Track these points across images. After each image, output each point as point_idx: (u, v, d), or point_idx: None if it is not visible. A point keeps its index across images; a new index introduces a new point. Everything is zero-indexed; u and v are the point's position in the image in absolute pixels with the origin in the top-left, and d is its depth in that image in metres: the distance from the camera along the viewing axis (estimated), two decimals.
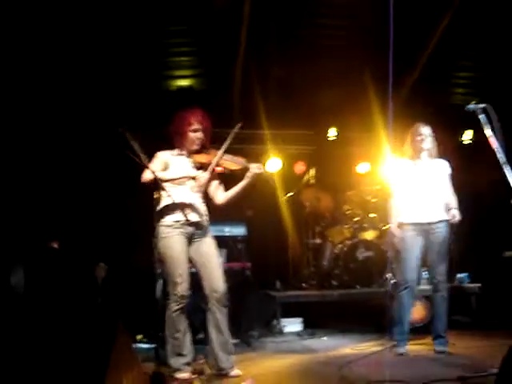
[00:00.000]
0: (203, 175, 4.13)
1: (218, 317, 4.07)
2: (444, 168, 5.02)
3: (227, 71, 7.11)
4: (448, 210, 4.87)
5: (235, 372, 4.05)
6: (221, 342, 4.07)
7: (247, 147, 7.05)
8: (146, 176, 3.89)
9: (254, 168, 4.14)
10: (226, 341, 4.09)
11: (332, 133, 8.01)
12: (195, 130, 4.19)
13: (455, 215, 4.83)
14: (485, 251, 7.21)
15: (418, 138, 4.91)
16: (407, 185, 4.96)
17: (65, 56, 6.24)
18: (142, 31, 6.33)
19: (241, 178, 4.22)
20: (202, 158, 4.23)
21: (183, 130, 4.18)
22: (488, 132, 3.56)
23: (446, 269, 4.87)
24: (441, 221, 4.88)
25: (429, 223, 4.86)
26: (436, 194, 4.90)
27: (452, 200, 4.94)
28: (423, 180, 4.91)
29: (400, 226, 4.95)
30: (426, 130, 4.94)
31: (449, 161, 5.10)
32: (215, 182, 4.36)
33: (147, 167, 3.66)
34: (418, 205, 4.87)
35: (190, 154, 4.25)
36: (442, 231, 4.87)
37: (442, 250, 4.87)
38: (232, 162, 4.20)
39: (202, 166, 4.24)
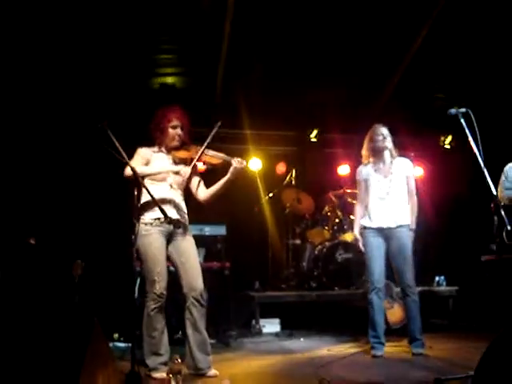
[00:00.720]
0: (186, 169, 4.12)
1: (196, 316, 4.04)
2: (406, 168, 5.01)
3: (210, 70, 7.08)
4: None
5: (212, 372, 4.02)
6: (198, 342, 4.04)
7: (228, 147, 7.03)
8: (128, 171, 3.86)
9: (236, 162, 4.11)
10: (203, 340, 4.06)
11: (314, 134, 8.01)
12: (175, 127, 4.21)
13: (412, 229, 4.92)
14: (462, 254, 7.27)
15: (379, 138, 4.90)
16: (369, 189, 4.97)
17: (49, 53, 6.17)
18: (126, 29, 6.28)
19: (222, 175, 4.21)
20: (182, 154, 4.24)
21: (163, 127, 4.20)
22: (468, 136, 3.59)
23: (412, 273, 4.87)
24: (401, 225, 4.89)
25: (389, 228, 4.88)
26: (397, 199, 4.91)
27: (413, 208, 4.95)
28: (383, 184, 4.91)
29: (362, 230, 4.98)
30: (384, 130, 4.93)
31: (411, 160, 5.14)
32: (196, 179, 4.35)
33: (127, 163, 3.62)
34: (378, 210, 4.90)
35: (170, 150, 4.26)
36: (403, 236, 4.88)
37: (406, 255, 4.86)
38: (213, 157, 4.19)
39: (182, 162, 4.24)
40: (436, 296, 6.69)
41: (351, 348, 5.16)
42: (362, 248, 5.01)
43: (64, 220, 6.54)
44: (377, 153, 4.95)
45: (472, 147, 3.52)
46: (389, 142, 4.93)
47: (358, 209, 5.11)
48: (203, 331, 4.07)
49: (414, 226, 4.94)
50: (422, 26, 6.70)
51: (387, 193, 4.89)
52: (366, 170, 5.03)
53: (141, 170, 3.95)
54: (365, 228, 4.96)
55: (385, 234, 4.89)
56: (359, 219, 5.05)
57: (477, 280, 6.60)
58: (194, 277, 4.08)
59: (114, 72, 6.74)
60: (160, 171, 4.13)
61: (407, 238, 4.89)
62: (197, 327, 4.04)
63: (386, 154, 4.94)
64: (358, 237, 5.03)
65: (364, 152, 5.05)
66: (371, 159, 5.00)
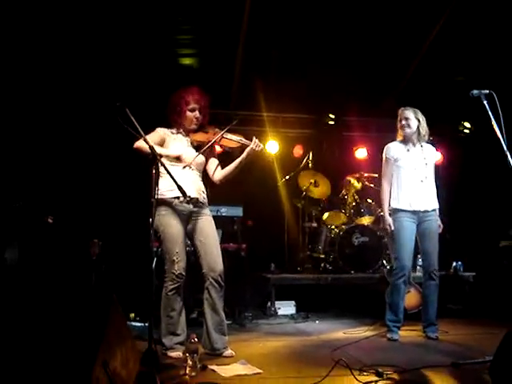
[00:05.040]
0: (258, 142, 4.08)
1: (214, 296, 4.04)
2: (433, 154, 5.01)
3: (228, 51, 7.03)
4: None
5: (228, 352, 4.04)
6: (215, 323, 4.05)
7: (245, 129, 7.01)
8: (140, 143, 3.83)
9: (253, 144, 4.08)
10: (220, 321, 4.07)
11: (331, 117, 7.95)
12: (193, 110, 4.16)
13: (440, 226, 4.91)
14: (481, 240, 7.21)
15: (403, 123, 4.87)
16: (401, 170, 4.90)
17: (69, 35, 6.16)
18: (144, 9, 6.24)
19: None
20: (200, 137, 4.19)
21: (181, 110, 4.15)
22: (491, 118, 3.53)
23: (437, 257, 4.86)
24: (434, 209, 4.88)
25: (425, 211, 4.84)
26: (429, 182, 4.89)
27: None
28: (417, 166, 4.86)
29: (394, 212, 4.90)
30: (408, 113, 4.86)
31: (434, 146, 5.10)
32: (214, 161, 4.33)
33: (147, 141, 3.58)
34: (417, 192, 4.83)
35: (188, 132, 4.22)
36: (434, 219, 4.87)
37: (435, 239, 4.86)
38: (231, 140, 4.16)
39: (199, 145, 4.20)
40: (453, 281, 6.64)
41: (367, 331, 5.14)
42: (392, 228, 4.88)
43: (81, 199, 6.58)
44: (404, 137, 4.91)
45: (495, 130, 3.47)
46: (413, 125, 4.85)
47: (386, 187, 4.96)
48: (221, 312, 4.08)
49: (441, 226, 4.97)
50: (442, 10, 6.58)
51: (426, 176, 4.85)
52: (396, 149, 4.94)
53: (159, 150, 3.85)
54: (398, 211, 4.86)
55: (419, 217, 4.83)
56: (388, 199, 4.94)
57: (495, 266, 6.56)
58: (213, 257, 4.07)
59: (132, 52, 6.71)
60: (174, 154, 4.07)
61: (437, 222, 4.88)
62: (215, 308, 4.05)
63: (414, 136, 4.88)
64: (389, 217, 4.91)
65: (398, 133, 5.01)
66: (401, 138, 4.95)
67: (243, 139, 4.15)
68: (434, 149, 5.06)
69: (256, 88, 7.29)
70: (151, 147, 3.57)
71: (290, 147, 8.12)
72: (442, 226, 4.93)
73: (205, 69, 7.31)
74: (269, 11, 6.52)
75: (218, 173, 4.30)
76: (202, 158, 4.22)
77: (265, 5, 6.36)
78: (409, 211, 4.82)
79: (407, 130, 4.85)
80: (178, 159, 4.09)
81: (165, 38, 6.84)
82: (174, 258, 3.96)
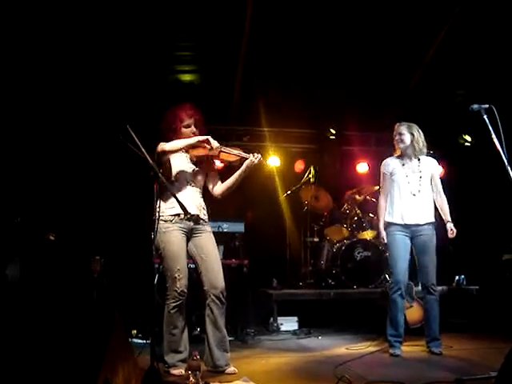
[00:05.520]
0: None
1: (216, 313, 4.03)
2: (432, 167, 5.00)
3: (229, 67, 7.07)
4: (445, 221, 4.90)
5: (231, 369, 4.02)
6: (217, 339, 4.04)
7: (246, 144, 7.03)
8: (163, 146, 4.00)
9: (252, 157, 4.12)
10: (222, 338, 4.06)
11: (332, 132, 7.97)
12: (188, 126, 4.19)
13: (453, 230, 4.88)
14: (483, 253, 7.18)
15: (396, 138, 4.91)
16: (394, 184, 4.92)
17: (68, 48, 6.19)
18: (145, 25, 6.28)
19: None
20: (199, 152, 4.19)
21: (176, 127, 4.18)
22: (491, 132, 3.53)
23: (435, 271, 4.84)
24: (429, 223, 4.86)
25: (417, 225, 4.83)
26: (424, 195, 4.88)
27: (444, 205, 4.94)
28: (410, 180, 4.87)
29: (387, 226, 4.92)
30: (402, 129, 4.89)
31: (437, 159, 5.10)
32: (213, 174, 4.37)
33: (147, 158, 3.60)
34: (409, 206, 4.84)
35: (187, 149, 4.20)
36: (429, 233, 4.85)
37: (432, 252, 4.84)
38: (230, 154, 4.18)
39: (199, 160, 4.24)
40: (456, 295, 6.61)
41: (370, 347, 5.11)
42: (385, 242, 4.93)
43: (83, 216, 6.58)
44: (401, 151, 4.95)
45: (495, 144, 3.47)
46: (407, 139, 4.88)
47: (382, 202, 5.02)
48: (223, 329, 4.07)
49: (449, 218, 4.91)
50: (442, 24, 6.63)
51: (418, 190, 4.85)
52: (392, 163, 4.98)
53: (180, 143, 4.02)
54: (391, 224, 4.88)
55: (412, 230, 4.83)
56: (383, 213, 4.98)
57: (498, 279, 6.52)
58: (214, 274, 4.07)
59: (133, 69, 6.75)
60: (195, 141, 4.08)
61: (433, 236, 4.86)
62: (217, 325, 4.04)
63: (409, 150, 4.90)
64: (383, 231, 4.95)
65: (395, 148, 5.04)
66: (398, 153, 4.99)
67: (242, 152, 4.19)
68: (436, 161, 5.06)
69: (257, 103, 7.32)
70: (152, 166, 3.57)
71: (291, 162, 8.14)
72: (454, 230, 4.89)
73: (206, 85, 7.34)
74: (269, 26, 6.57)
75: (218, 187, 4.33)
76: (201, 174, 4.26)
77: (265, 20, 6.41)
78: (401, 225, 4.84)
79: (401, 145, 4.92)
80: (179, 175, 4.10)
81: (165, 55, 6.89)
82: (176, 275, 3.95)
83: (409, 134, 4.88)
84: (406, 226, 4.83)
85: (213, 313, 4.04)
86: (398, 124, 4.96)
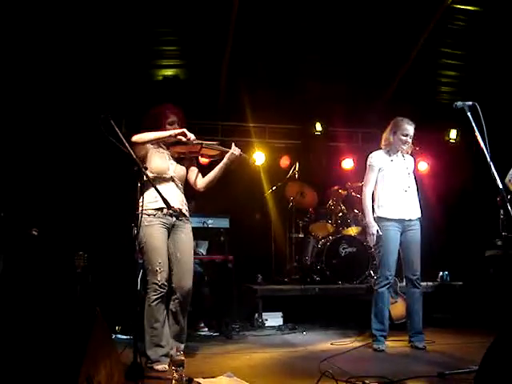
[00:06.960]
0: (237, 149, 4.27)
1: (178, 310, 4.15)
2: (413, 164, 5.08)
3: (214, 62, 7.05)
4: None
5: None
6: (175, 331, 4.16)
7: (232, 140, 7.01)
8: (137, 136, 4.00)
9: (232, 150, 4.26)
10: (180, 330, 4.19)
11: (318, 127, 7.97)
12: (172, 123, 4.24)
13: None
14: (467, 249, 7.24)
15: (403, 138, 4.89)
16: (386, 180, 4.93)
17: (51, 43, 6.14)
18: (129, 20, 6.24)
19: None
20: (180, 149, 4.27)
21: (161, 124, 4.20)
22: (475, 130, 3.55)
23: (420, 265, 4.89)
24: (418, 218, 4.93)
25: (410, 220, 4.87)
26: (413, 191, 4.93)
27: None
28: (400, 176, 4.90)
29: (379, 221, 4.90)
30: (411, 130, 4.90)
31: (414, 158, 5.15)
32: (193, 169, 4.41)
33: (130, 153, 3.60)
34: (399, 201, 4.86)
35: (168, 146, 4.28)
36: (418, 228, 4.91)
37: (418, 247, 4.90)
38: (211, 149, 4.30)
39: (180, 157, 4.30)
40: (440, 291, 6.66)
41: (354, 342, 5.13)
42: (380, 233, 4.83)
43: (66, 211, 6.54)
44: (397, 147, 4.94)
45: (478, 141, 3.49)
46: (410, 141, 4.94)
47: (368, 193, 4.97)
48: (182, 322, 4.18)
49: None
50: (427, 21, 6.66)
51: (408, 186, 4.89)
52: (381, 158, 4.97)
53: (153, 134, 4.04)
54: (383, 219, 4.86)
55: (403, 225, 4.86)
56: (370, 205, 4.95)
57: (480, 275, 6.58)
58: (185, 275, 4.15)
59: (117, 64, 6.71)
60: (170, 134, 4.10)
61: (420, 231, 4.91)
62: (177, 319, 4.16)
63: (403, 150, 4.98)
64: (374, 223, 4.87)
65: (384, 137, 5.00)
66: (388, 148, 4.98)
67: (222, 147, 4.33)
68: (413, 159, 5.12)
69: (242, 99, 7.31)
70: (135, 160, 3.58)
71: (276, 158, 8.14)
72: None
73: (191, 80, 7.32)
74: (255, 21, 6.57)
75: (199, 180, 4.39)
76: (183, 170, 4.32)
77: (252, 15, 6.40)
78: (394, 220, 4.85)
79: (405, 146, 4.93)
80: (161, 171, 4.11)
81: (150, 49, 6.85)
82: (157, 268, 3.98)
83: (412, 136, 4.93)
84: (399, 221, 4.85)
85: (175, 308, 4.14)
86: (406, 122, 4.90)
